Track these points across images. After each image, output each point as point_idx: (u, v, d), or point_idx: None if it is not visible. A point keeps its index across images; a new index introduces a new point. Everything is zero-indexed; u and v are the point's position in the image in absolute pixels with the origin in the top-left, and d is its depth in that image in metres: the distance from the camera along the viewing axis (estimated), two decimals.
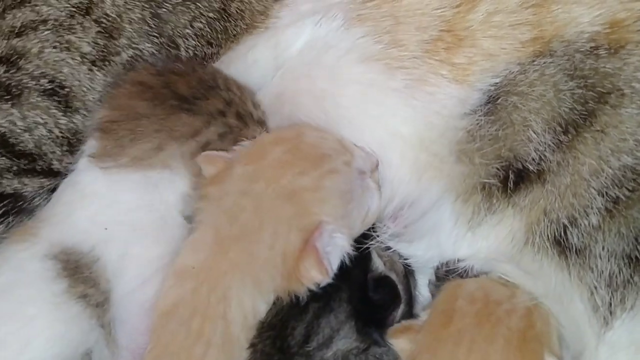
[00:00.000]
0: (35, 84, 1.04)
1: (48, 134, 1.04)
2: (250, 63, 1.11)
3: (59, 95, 1.05)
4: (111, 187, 0.98)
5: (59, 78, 1.05)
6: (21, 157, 1.04)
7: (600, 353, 0.92)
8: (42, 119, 1.04)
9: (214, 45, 1.10)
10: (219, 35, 1.10)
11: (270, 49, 1.11)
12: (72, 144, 1.05)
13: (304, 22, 1.09)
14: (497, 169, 0.97)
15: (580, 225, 0.94)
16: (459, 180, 0.99)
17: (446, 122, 1.00)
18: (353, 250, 0.94)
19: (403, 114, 1.02)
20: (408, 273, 1.04)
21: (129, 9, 1.07)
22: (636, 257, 0.92)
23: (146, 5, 1.07)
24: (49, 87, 1.04)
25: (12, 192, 1.03)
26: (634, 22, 0.96)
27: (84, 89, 1.06)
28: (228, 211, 0.94)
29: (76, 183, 1.00)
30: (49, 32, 1.05)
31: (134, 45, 1.07)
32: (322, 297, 0.93)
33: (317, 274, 0.90)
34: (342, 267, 0.93)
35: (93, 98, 1.06)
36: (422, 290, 1.06)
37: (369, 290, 0.98)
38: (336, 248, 0.93)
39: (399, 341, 0.95)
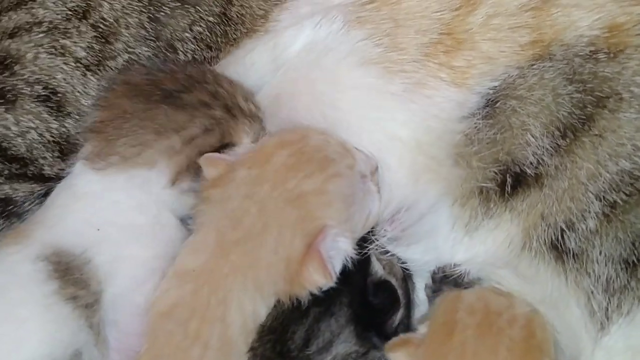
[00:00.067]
0: (30, 91, 1.05)
1: (39, 138, 1.05)
2: (248, 65, 1.12)
3: (52, 101, 1.06)
4: (104, 187, 0.99)
5: (52, 84, 1.06)
6: (13, 161, 1.05)
7: (597, 358, 0.93)
8: (34, 123, 1.05)
9: (213, 49, 1.11)
10: (219, 39, 1.11)
11: (269, 50, 1.11)
12: (63, 150, 1.06)
13: (303, 24, 1.09)
14: (495, 172, 0.98)
15: (578, 229, 0.94)
16: (457, 184, 1.00)
17: (444, 125, 1.01)
18: (355, 254, 0.95)
19: (401, 117, 1.02)
20: (407, 277, 1.05)
21: (127, 14, 1.07)
22: (633, 261, 0.92)
23: (144, 10, 1.07)
24: (43, 93, 1.05)
25: (4, 196, 1.05)
26: (633, 26, 0.96)
27: (77, 94, 1.06)
28: (231, 214, 0.95)
29: (71, 186, 1.01)
30: (43, 35, 1.05)
31: (130, 50, 1.08)
32: (323, 301, 0.94)
33: (320, 278, 0.91)
34: (343, 271, 0.93)
35: (86, 103, 1.07)
36: (420, 294, 1.06)
37: (368, 295, 0.99)
38: (339, 252, 0.94)
39: (397, 355, 0.95)
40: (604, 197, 0.94)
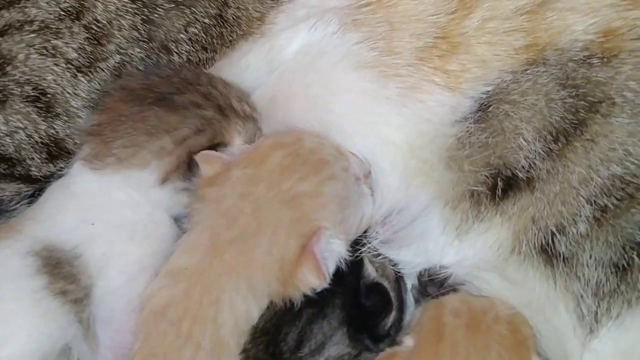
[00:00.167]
0: (20, 91, 1.06)
1: (27, 138, 1.06)
2: (243, 67, 1.13)
3: (41, 101, 1.07)
4: (101, 186, 1.01)
5: (42, 85, 1.06)
6: (1, 161, 1.07)
7: None
8: (23, 123, 1.06)
9: (209, 51, 1.12)
10: (215, 41, 1.11)
11: (264, 53, 1.12)
12: (52, 152, 1.08)
13: (299, 26, 1.10)
14: (486, 176, 0.99)
15: (569, 233, 0.96)
16: (448, 187, 1.01)
17: (437, 129, 1.02)
18: (349, 256, 0.97)
19: (395, 121, 1.03)
20: (399, 279, 1.06)
21: (121, 15, 1.07)
22: (623, 265, 0.94)
23: (138, 12, 1.08)
24: (33, 94, 1.06)
25: None
26: (628, 31, 0.97)
27: (67, 95, 1.07)
28: (226, 213, 0.96)
29: (68, 185, 1.03)
30: (35, 34, 1.06)
31: (121, 51, 1.08)
32: (316, 303, 0.95)
33: (314, 279, 0.92)
34: (336, 273, 0.95)
35: (76, 104, 1.07)
36: (411, 296, 1.07)
37: (361, 297, 1.00)
38: (333, 254, 0.95)
39: None
40: (595, 201, 0.95)
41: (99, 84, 1.08)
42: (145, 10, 1.08)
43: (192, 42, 1.10)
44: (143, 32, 1.08)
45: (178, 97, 1.04)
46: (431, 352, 0.94)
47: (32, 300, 0.93)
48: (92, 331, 0.96)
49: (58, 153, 1.08)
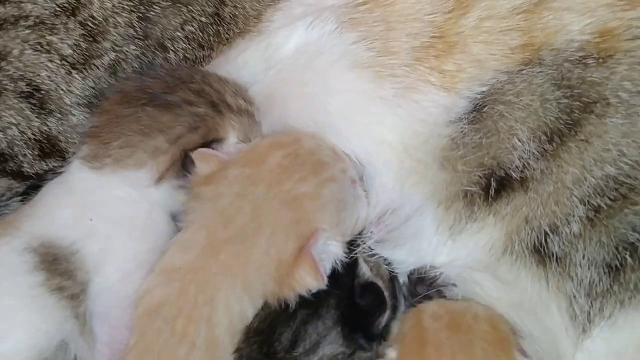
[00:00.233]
0: (14, 87, 1.06)
1: (20, 135, 1.07)
2: (240, 65, 1.13)
3: (35, 97, 1.07)
4: (99, 185, 1.03)
5: (36, 81, 1.07)
6: None
7: None
8: (16, 119, 1.07)
9: (205, 49, 1.12)
10: (211, 39, 1.12)
11: (261, 51, 1.12)
12: (44, 149, 1.08)
13: (296, 24, 1.10)
14: (480, 176, 1.00)
15: (562, 233, 0.97)
16: (442, 187, 1.02)
17: (431, 129, 1.03)
18: (345, 257, 0.98)
19: (390, 121, 1.04)
20: (394, 278, 1.07)
21: (117, 13, 1.08)
22: (616, 266, 0.95)
23: (134, 9, 1.08)
24: (26, 90, 1.07)
25: None
26: (624, 31, 0.98)
27: (61, 92, 1.08)
28: (223, 212, 0.97)
29: (67, 182, 1.05)
30: (30, 30, 1.06)
31: (117, 48, 1.08)
32: (311, 303, 0.96)
33: (312, 280, 0.93)
34: (331, 273, 0.96)
35: (69, 101, 1.08)
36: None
37: (355, 296, 1.01)
38: (329, 255, 0.97)
39: None
40: (588, 201, 0.96)
41: (93, 81, 1.08)
42: (142, 7, 1.08)
43: (188, 40, 1.11)
44: (139, 29, 1.09)
45: (170, 96, 1.05)
46: (417, 358, 0.95)
47: (29, 297, 0.95)
48: (88, 327, 0.97)
49: (51, 151, 1.09)
